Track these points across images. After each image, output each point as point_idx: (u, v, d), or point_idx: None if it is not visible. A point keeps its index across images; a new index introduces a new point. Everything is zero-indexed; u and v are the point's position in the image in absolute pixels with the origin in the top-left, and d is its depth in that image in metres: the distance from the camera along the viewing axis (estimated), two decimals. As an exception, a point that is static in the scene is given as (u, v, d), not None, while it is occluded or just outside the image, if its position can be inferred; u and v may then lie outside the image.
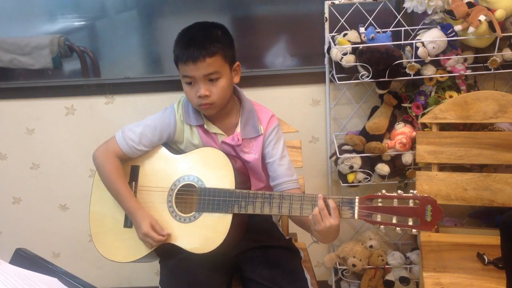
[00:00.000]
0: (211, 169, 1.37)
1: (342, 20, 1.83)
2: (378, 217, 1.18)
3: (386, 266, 1.98)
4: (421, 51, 1.65)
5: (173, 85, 1.83)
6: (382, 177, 1.87)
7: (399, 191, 1.19)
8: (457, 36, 1.66)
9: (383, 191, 1.19)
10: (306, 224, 1.31)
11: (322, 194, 1.22)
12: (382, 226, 1.18)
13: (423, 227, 1.16)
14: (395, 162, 1.86)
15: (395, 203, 1.17)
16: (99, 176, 1.46)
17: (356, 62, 1.72)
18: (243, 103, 1.48)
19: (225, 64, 1.37)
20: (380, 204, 1.18)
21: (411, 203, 1.17)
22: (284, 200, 1.28)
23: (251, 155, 1.45)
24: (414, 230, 1.18)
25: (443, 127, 1.72)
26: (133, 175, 1.44)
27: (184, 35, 1.40)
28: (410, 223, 1.16)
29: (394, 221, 1.17)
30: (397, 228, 1.17)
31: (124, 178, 1.43)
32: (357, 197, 1.21)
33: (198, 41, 1.33)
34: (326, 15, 1.82)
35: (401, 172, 1.88)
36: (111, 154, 1.42)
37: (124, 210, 1.41)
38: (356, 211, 1.20)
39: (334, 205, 1.20)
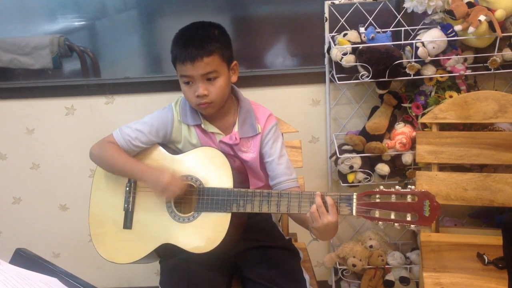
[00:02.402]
0: (210, 169, 1.37)
1: (342, 20, 1.83)
2: (376, 213, 1.18)
3: (386, 266, 1.98)
4: (421, 51, 1.65)
5: (173, 85, 1.82)
6: (382, 177, 1.87)
7: (397, 187, 1.18)
8: (457, 36, 1.66)
9: (381, 187, 1.19)
10: (305, 222, 1.31)
11: (320, 191, 1.22)
12: (380, 222, 1.17)
13: (421, 222, 1.15)
14: (395, 162, 1.86)
15: (393, 198, 1.17)
16: (100, 165, 1.45)
17: (356, 62, 1.72)
18: (241, 103, 1.48)
19: (223, 63, 1.37)
20: (378, 200, 1.18)
21: (409, 199, 1.16)
22: (282, 198, 1.28)
23: (249, 154, 1.45)
24: (412, 226, 1.17)
25: (443, 127, 1.72)
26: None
27: (182, 35, 1.40)
28: (409, 218, 1.16)
29: (392, 216, 1.17)
30: (396, 224, 1.17)
31: (125, 153, 1.42)
32: (355, 193, 1.20)
33: (196, 41, 1.34)
34: (326, 15, 1.82)
35: (401, 172, 1.88)
36: (108, 142, 1.43)
37: (138, 176, 1.40)
38: (354, 208, 1.20)
39: (332, 202, 1.20)
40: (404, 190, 1.17)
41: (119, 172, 1.43)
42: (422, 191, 1.15)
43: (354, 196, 1.20)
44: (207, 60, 1.33)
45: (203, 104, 1.37)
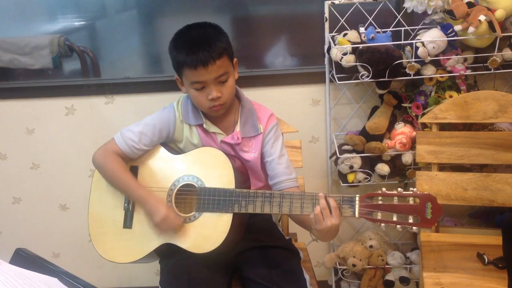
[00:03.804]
0: (211, 169, 1.37)
1: (342, 20, 1.83)
2: (379, 215, 1.18)
3: (386, 266, 1.98)
4: (421, 51, 1.65)
5: (173, 85, 1.81)
6: (382, 177, 1.87)
7: (399, 189, 1.19)
8: (457, 36, 1.66)
9: (383, 189, 1.19)
10: (305, 223, 1.31)
11: (323, 193, 1.22)
12: (382, 224, 1.18)
13: (423, 224, 1.16)
14: (395, 162, 1.86)
15: (395, 201, 1.18)
16: (102, 175, 1.45)
17: (356, 62, 1.72)
18: (243, 102, 1.48)
19: (230, 62, 1.37)
20: (380, 202, 1.19)
21: (411, 201, 1.17)
22: (285, 199, 1.28)
23: (251, 154, 1.45)
24: (414, 228, 1.18)
25: (443, 127, 1.72)
26: (132, 175, 1.44)
27: (183, 39, 1.37)
28: (411, 220, 1.16)
29: (394, 218, 1.18)
30: (398, 226, 1.17)
31: (128, 171, 1.42)
32: (357, 195, 1.21)
33: (203, 44, 1.31)
34: (326, 15, 1.82)
35: (401, 172, 1.88)
36: (111, 152, 1.42)
37: (135, 200, 1.40)
38: (356, 210, 1.20)
39: (335, 205, 1.20)
40: (406, 192, 1.17)
41: (117, 188, 1.43)
42: (424, 194, 1.16)
43: (357, 198, 1.20)
44: (219, 63, 1.32)
45: (217, 107, 1.37)
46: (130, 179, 1.40)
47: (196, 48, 1.31)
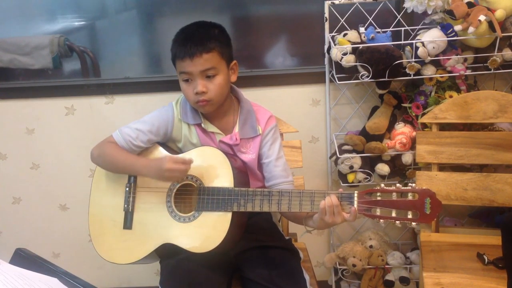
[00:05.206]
0: (210, 168, 1.37)
1: (342, 20, 1.83)
2: (378, 211, 1.18)
3: (386, 266, 1.98)
4: (421, 51, 1.65)
5: (173, 85, 1.83)
6: (382, 177, 1.87)
7: (397, 184, 1.19)
8: (457, 36, 1.66)
9: (382, 185, 1.20)
10: (300, 218, 1.33)
11: (333, 192, 1.22)
12: (381, 221, 1.18)
13: (422, 219, 1.16)
14: (395, 162, 1.86)
15: (394, 196, 1.18)
16: (101, 165, 1.45)
17: (356, 62, 1.72)
18: (242, 103, 1.48)
19: (222, 61, 1.38)
20: (379, 198, 1.19)
21: (410, 196, 1.17)
22: (283, 197, 1.28)
23: (248, 155, 1.45)
24: (414, 223, 1.18)
25: (443, 127, 1.72)
26: (132, 175, 1.44)
27: (182, 33, 1.41)
28: (410, 216, 1.16)
29: (393, 214, 1.18)
30: (397, 222, 1.17)
31: (125, 151, 1.42)
32: (356, 191, 1.21)
33: (195, 38, 1.35)
34: (326, 15, 1.82)
35: (401, 172, 1.88)
36: (107, 142, 1.43)
37: (139, 171, 1.39)
38: (355, 206, 1.20)
39: (338, 203, 1.21)
40: (405, 188, 1.18)
41: (120, 169, 1.42)
42: (423, 189, 1.16)
43: (355, 194, 1.21)
44: (206, 57, 1.33)
45: (202, 102, 1.37)
46: (128, 155, 1.40)
47: (188, 42, 1.34)
